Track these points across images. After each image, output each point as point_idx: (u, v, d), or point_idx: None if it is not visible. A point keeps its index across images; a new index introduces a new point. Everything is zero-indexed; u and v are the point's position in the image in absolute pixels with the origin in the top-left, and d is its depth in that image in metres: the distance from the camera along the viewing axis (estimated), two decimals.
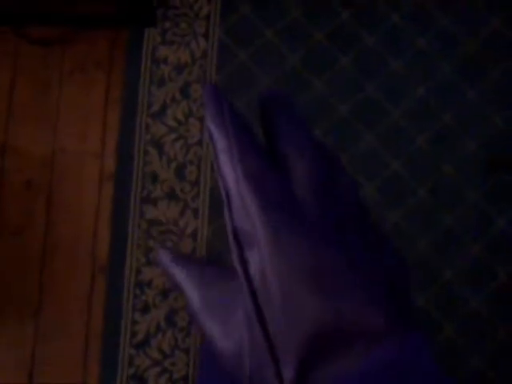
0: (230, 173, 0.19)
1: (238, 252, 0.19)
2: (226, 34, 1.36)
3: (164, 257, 0.23)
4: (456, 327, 1.23)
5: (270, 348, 0.18)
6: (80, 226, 1.27)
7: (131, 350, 1.22)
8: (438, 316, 1.23)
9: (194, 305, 0.21)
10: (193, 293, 0.21)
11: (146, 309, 1.24)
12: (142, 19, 1.32)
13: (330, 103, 1.33)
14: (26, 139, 1.32)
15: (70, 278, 1.25)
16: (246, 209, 0.19)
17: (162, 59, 1.35)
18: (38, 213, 1.28)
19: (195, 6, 1.36)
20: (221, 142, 0.20)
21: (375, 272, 0.18)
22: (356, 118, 1.32)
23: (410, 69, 1.34)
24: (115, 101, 1.32)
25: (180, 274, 0.22)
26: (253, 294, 0.18)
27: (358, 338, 0.17)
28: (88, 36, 1.34)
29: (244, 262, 0.19)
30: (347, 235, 0.19)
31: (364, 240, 0.19)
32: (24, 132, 1.32)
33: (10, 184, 1.30)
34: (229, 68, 1.34)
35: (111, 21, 1.31)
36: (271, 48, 1.35)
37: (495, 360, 1.23)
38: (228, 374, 0.19)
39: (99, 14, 1.29)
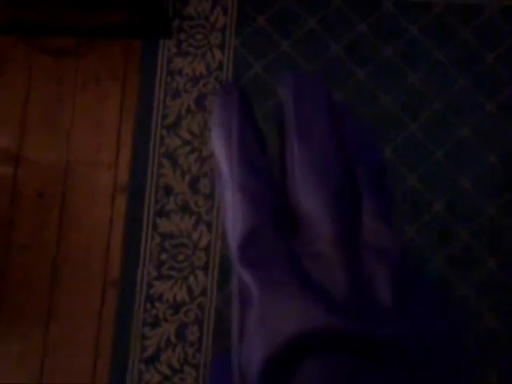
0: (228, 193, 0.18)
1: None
2: (242, 46, 1.35)
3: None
4: (471, 342, 1.21)
5: None
6: (92, 237, 1.26)
7: (140, 365, 1.21)
8: None
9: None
10: None
11: (156, 323, 1.22)
12: (157, 30, 1.31)
13: None
14: (39, 150, 1.31)
15: (81, 291, 1.24)
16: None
17: (177, 71, 1.34)
18: (50, 224, 1.26)
19: (211, 18, 1.36)
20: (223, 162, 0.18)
21: None
22: None
23: (427, 81, 1.33)
24: (129, 112, 1.31)
25: None
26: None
27: None
28: (102, 47, 1.33)
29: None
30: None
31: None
32: (37, 143, 1.31)
33: (23, 195, 1.28)
34: (244, 79, 1.33)
35: (126, 32, 1.30)
36: (287, 60, 1.34)
37: None
38: None
39: (113, 24, 1.28)
